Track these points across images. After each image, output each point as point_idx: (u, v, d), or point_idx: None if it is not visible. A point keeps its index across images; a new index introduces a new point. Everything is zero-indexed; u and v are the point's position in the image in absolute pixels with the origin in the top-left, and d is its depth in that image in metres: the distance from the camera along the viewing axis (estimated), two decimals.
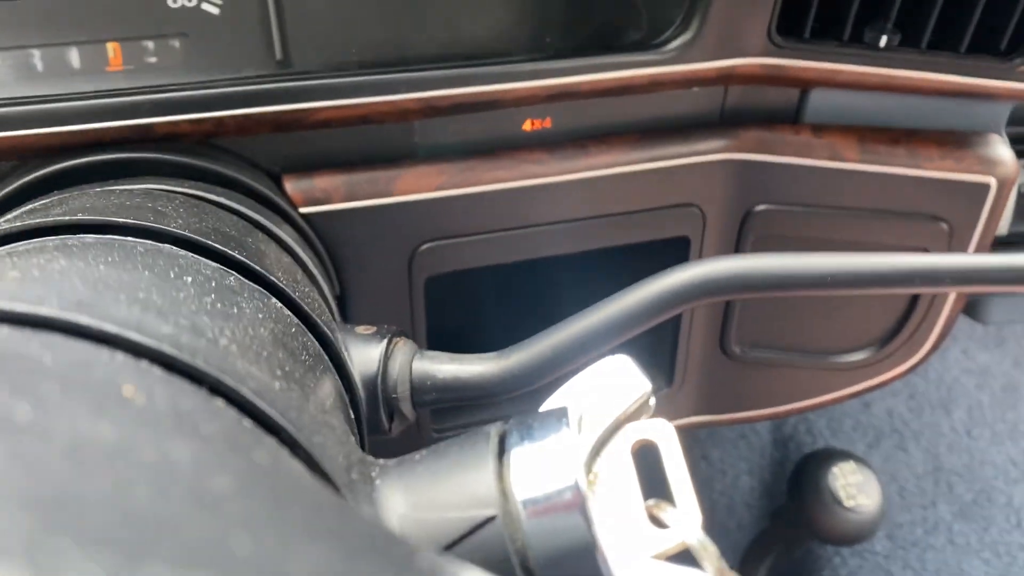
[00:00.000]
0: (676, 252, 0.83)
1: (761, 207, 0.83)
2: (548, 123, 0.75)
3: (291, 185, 0.69)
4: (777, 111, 0.81)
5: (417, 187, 0.72)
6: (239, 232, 0.56)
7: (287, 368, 0.41)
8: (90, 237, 0.44)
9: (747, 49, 0.74)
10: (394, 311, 0.76)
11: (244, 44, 0.76)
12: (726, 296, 0.56)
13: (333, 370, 0.52)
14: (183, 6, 0.74)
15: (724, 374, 0.94)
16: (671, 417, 0.93)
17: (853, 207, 0.82)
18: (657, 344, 0.91)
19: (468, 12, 0.72)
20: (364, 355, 0.56)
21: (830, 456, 1.26)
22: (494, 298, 0.90)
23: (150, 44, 0.75)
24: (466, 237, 0.75)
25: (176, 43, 0.75)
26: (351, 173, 0.71)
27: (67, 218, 0.47)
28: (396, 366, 0.56)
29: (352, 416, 0.52)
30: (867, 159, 0.80)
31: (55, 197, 0.58)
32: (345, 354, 0.54)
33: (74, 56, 0.73)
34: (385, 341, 0.57)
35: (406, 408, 0.57)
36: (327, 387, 0.47)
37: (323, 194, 0.70)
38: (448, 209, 0.73)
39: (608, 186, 0.77)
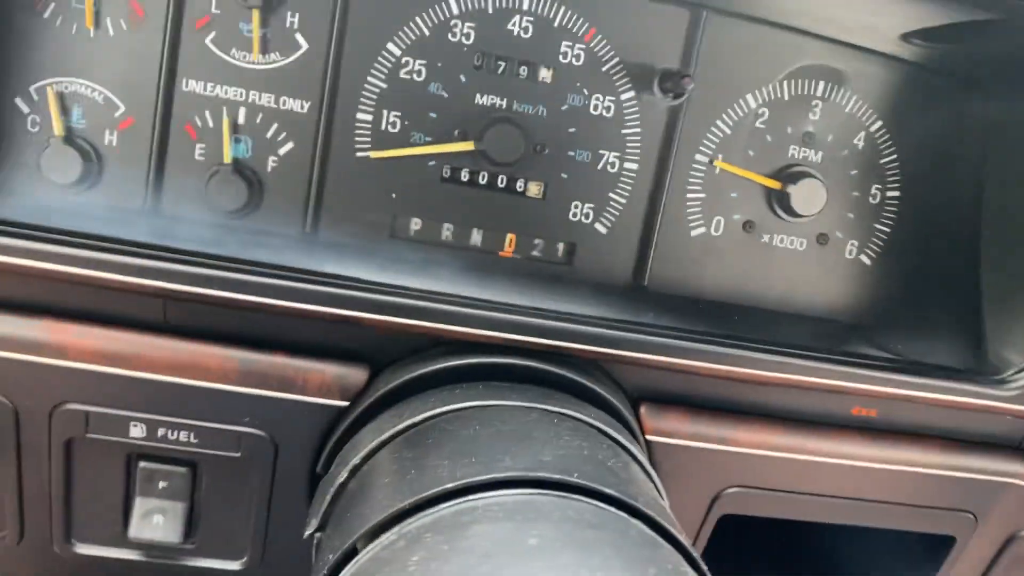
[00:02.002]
0: (940, 548, 0.88)
1: None
2: (874, 413, 0.82)
3: (646, 411, 0.77)
4: None
5: (747, 441, 0.79)
6: (635, 474, 0.63)
7: None
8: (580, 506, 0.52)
9: None
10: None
11: (619, 263, 0.86)
12: None
13: None
14: (580, 221, 0.85)
15: None
16: None
17: None
18: None
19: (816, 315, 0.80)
20: None
21: None
22: (767, 548, 0.96)
23: (540, 242, 0.85)
24: (767, 491, 0.82)
25: (561, 247, 0.85)
26: (697, 414, 0.78)
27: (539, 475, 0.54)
28: None
29: None
30: None
31: (470, 405, 0.66)
32: None
33: (476, 236, 0.84)
34: None
35: None
36: None
37: (671, 428, 0.78)
38: (762, 463, 0.80)
39: (906, 478, 0.83)
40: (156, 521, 0.76)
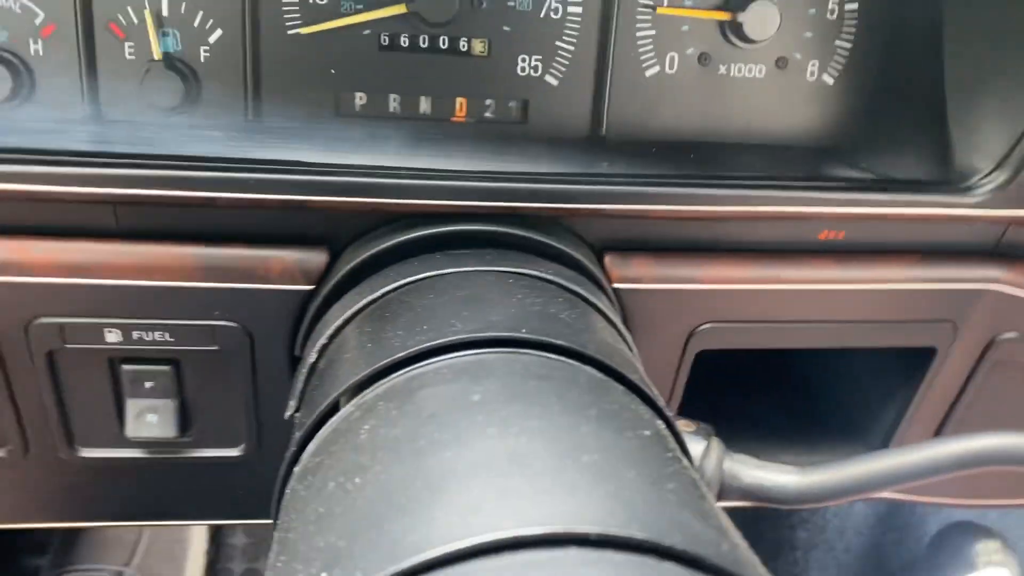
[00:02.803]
0: (921, 361, 0.89)
1: (1010, 335, 0.88)
2: (842, 235, 0.81)
3: (611, 261, 0.78)
4: None
5: (717, 278, 0.79)
6: (591, 324, 0.64)
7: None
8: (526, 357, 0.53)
9: None
10: (660, 376, 0.85)
11: (575, 115, 0.84)
12: None
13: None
14: (529, 75, 0.82)
15: None
16: None
17: None
18: None
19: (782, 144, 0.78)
20: (690, 450, 0.64)
21: (975, 531, 1.32)
22: (743, 378, 0.98)
23: (491, 103, 0.83)
24: (741, 323, 0.83)
25: (514, 105, 0.84)
26: (662, 257, 0.78)
27: (489, 334, 0.55)
28: (712, 464, 0.65)
29: None
30: None
31: (423, 276, 0.66)
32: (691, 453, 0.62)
33: (425, 105, 0.82)
34: (706, 440, 0.65)
35: None
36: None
37: (636, 274, 0.78)
38: (733, 297, 0.81)
39: (881, 296, 0.83)
40: (150, 419, 0.79)
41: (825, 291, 0.82)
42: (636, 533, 0.35)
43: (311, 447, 0.54)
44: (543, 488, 0.38)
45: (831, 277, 0.81)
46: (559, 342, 0.55)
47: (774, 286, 0.81)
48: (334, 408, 0.56)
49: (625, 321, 0.80)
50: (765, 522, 1.83)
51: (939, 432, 0.97)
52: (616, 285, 0.78)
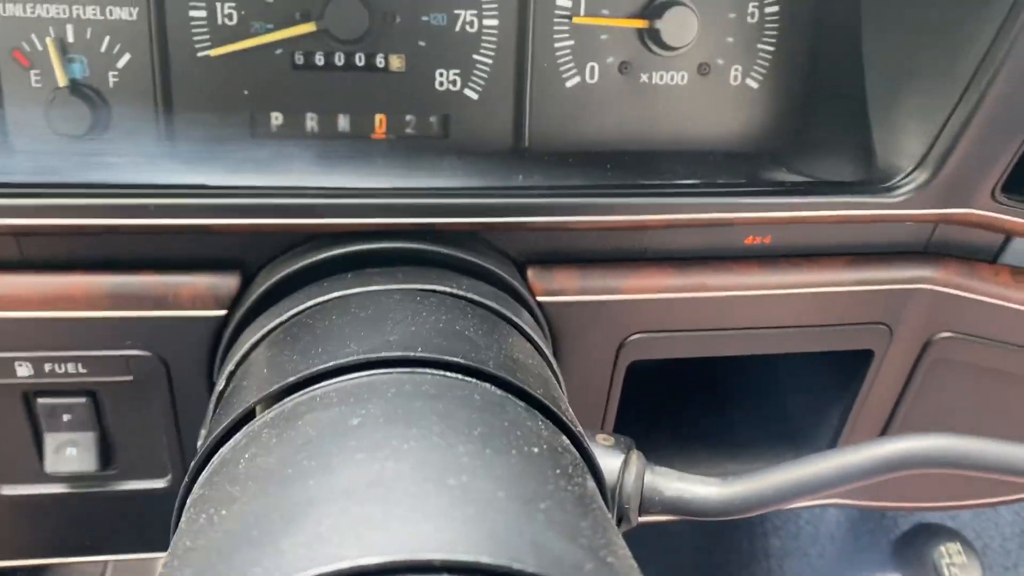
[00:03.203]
0: (859, 363, 0.88)
1: (945, 334, 0.87)
2: (768, 240, 0.80)
3: (533, 274, 0.76)
4: (979, 249, 0.85)
5: (643, 287, 0.78)
6: (501, 339, 0.63)
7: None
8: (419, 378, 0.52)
9: (969, 201, 0.78)
10: (593, 390, 0.83)
11: (496, 128, 0.84)
12: (955, 470, 0.61)
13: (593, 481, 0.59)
14: (448, 90, 0.82)
15: None
16: None
17: None
18: None
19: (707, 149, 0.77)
20: (606, 464, 0.63)
21: (937, 532, 1.31)
22: (682, 389, 0.97)
23: (411, 118, 0.82)
24: (671, 332, 0.82)
25: (434, 120, 0.83)
26: (586, 269, 0.77)
27: (394, 354, 0.53)
28: (631, 478, 0.64)
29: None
30: None
31: (333, 295, 0.65)
32: (600, 469, 0.61)
33: (343, 122, 0.81)
34: (624, 454, 0.64)
35: (633, 517, 0.65)
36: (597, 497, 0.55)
37: (560, 286, 0.77)
38: (662, 306, 0.80)
39: (812, 300, 0.82)
40: (70, 453, 0.77)
41: (755, 296, 0.81)
42: (484, 558, 0.34)
43: (201, 478, 0.52)
44: (397, 515, 0.37)
45: (758, 283, 0.80)
46: (455, 359, 0.54)
47: (702, 294, 0.80)
48: (229, 436, 0.54)
49: (553, 335, 0.79)
50: (739, 531, 1.82)
51: (884, 434, 0.96)
52: (540, 299, 0.77)
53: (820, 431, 0.96)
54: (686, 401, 0.96)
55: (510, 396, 0.54)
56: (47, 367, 0.72)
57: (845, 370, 0.90)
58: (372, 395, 0.50)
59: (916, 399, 0.92)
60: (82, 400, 0.75)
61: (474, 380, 0.54)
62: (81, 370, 0.73)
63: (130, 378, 0.73)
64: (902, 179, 0.77)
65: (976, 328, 0.87)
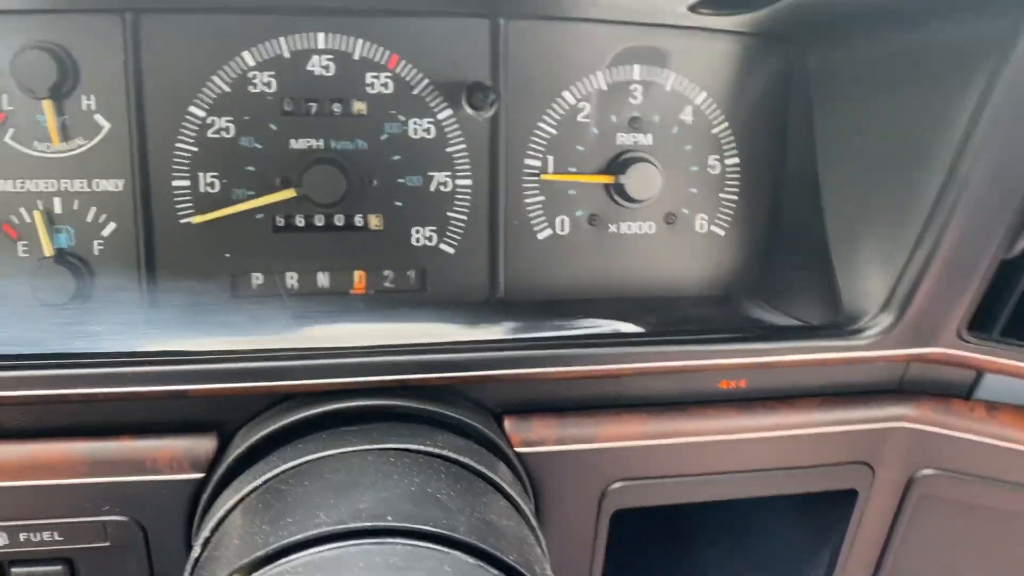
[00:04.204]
0: (844, 503, 0.88)
1: (928, 471, 0.87)
2: (743, 384, 0.81)
3: (510, 425, 0.77)
4: (953, 385, 0.86)
5: (620, 435, 0.79)
6: (475, 500, 0.63)
7: None
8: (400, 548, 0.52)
9: (936, 341, 0.80)
10: (578, 540, 0.82)
11: (472, 280, 0.86)
12: None
13: None
14: (424, 245, 0.84)
15: None
16: None
17: (1020, 482, 0.86)
18: None
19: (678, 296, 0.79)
20: None
21: None
22: (668, 537, 0.96)
23: (389, 273, 0.85)
24: (653, 480, 0.82)
25: (412, 274, 0.85)
26: (563, 418, 0.78)
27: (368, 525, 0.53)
28: None
29: None
30: None
31: (303, 460, 0.65)
32: None
33: (323, 280, 0.84)
34: None
35: None
36: None
37: (538, 436, 0.77)
38: (641, 453, 0.80)
39: (791, 442, 0.83)
40: None
41: (734, 441, 0.81)
42: None
43: None
44: None
45: (736, 426, 0.81)
46: (426, 528, 0.54)
47: (679, 439, 0.80)
48: None
49: (534, 486, 0.79)
50: None
51: (877, 572, 0.95)
52: (519, 450, 0.77)
53: (812, 571, 0.94)
54: (673, 547, 0.95)
55: (482, 564, 0.54)
56: (22, 536, 0.71)
57: (831, 511, 0.89)
58: (340, 570, 0.50)
59: (906, 537, 0.90)
60: (58, 568, 0.74)
61: (445, 548, 0.54)
62: (57, 537, 0.72)
63: (107, 544, 0.72)
64: (868, 321, 0.79)
65: (957, 464, 0.87)
